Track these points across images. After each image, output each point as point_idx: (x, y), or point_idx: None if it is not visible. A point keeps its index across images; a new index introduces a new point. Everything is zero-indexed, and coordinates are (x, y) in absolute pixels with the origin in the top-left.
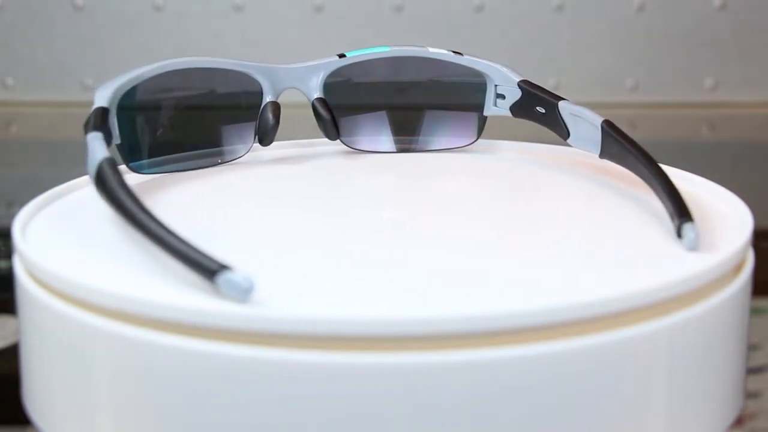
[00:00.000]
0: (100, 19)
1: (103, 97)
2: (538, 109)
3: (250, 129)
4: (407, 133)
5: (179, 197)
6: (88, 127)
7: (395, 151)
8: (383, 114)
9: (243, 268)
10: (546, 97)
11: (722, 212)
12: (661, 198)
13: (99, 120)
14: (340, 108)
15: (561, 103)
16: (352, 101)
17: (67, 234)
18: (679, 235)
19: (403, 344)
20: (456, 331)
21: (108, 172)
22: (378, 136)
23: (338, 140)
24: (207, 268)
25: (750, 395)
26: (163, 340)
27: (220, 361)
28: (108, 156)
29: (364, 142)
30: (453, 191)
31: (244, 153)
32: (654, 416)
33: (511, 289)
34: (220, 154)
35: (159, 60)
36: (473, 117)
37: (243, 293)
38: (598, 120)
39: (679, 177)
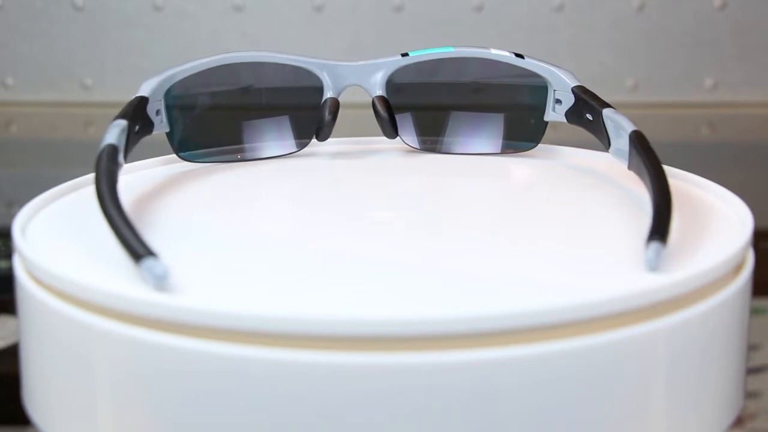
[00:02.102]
0: (100, 19)
1: (147, 87)
2: (587, 116)
3: (308, 124)
4: (467, 135)
5: (203, 188)
6: (118, 115)
7: (453, 152)
8: (444, 115)
9: (168, 258)
10: (593, 103)
11: (722, 212)
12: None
13: (131, 108)
14: (401, 107)
15: (605, 111)
16: (413, 100)
17: (67, 234)
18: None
19: (403, 344)
20: (456, 332)
21: (102, 158)
22: (437, 136)
23: (397, 139)
24: (135, 253)
25: (750, 395)
26: (163, 340)
27: (220, 361)
28: (111, 143)
29: (423, 142)
30: (472, 193)
31: (301, 147)
32: (654, 416)
33: (510, 289)
34: (276, 147)
35: (159, 59)
36: (534, 121)
37: (157, 280)
38: (630, 130)
39: (680, 177)
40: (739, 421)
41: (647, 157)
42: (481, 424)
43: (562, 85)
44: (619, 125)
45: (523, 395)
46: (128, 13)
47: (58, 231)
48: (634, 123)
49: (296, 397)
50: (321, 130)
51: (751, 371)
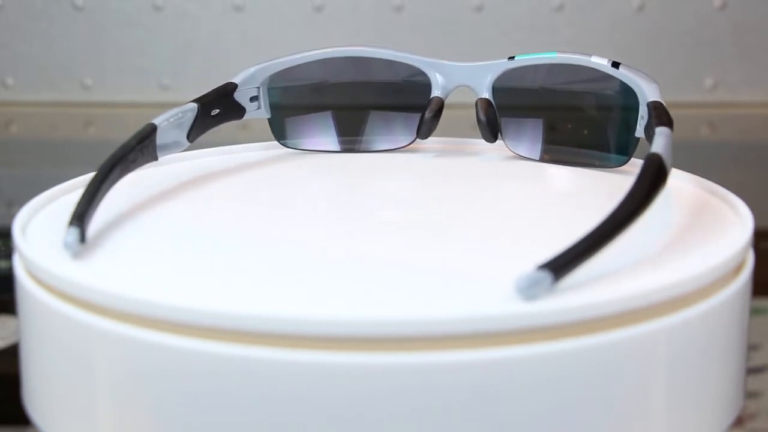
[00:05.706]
0: (100, 18)
1: (242, 74)
2: (651, 133)
3: (411, 122)
4: (561, 144)
5: (253, 179)
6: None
7: (548, 161)
8: (542, 122)
9: (168, 255)
10: (654, 120)
11: (722, 212)
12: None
13: (212, 93)
14: (504, 110)
15: (657, 129)
16: (514, 104)
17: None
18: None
19: (403, 344)
20: (456, 332)
21: (135, 133)
22: (534, 143)
23: (498, 143)
24: (70, 219)
25: (750, 395)
26: (163, 340)
27: (220, 361)
28: (151, 122)
29: (520, 147)
30: (500, 197)
31: (402, 144)
32: (654, 416)
33: (509, 289)
34: (377, 142)
35: (159, 59)
36: (626, 136)
37: (66, 246)
38: (649, 151)
39: (680, 177)
40: (739, 421)
41: (636, 183)
42: (481, 424)
43: (643, 98)
44: (655, 144)
45: (523, 395)
46: (128, 13)
47: (58, 231)
48: (665, 148)
49: (296, 397)
50: (422, 128)
51: (751, 371)
